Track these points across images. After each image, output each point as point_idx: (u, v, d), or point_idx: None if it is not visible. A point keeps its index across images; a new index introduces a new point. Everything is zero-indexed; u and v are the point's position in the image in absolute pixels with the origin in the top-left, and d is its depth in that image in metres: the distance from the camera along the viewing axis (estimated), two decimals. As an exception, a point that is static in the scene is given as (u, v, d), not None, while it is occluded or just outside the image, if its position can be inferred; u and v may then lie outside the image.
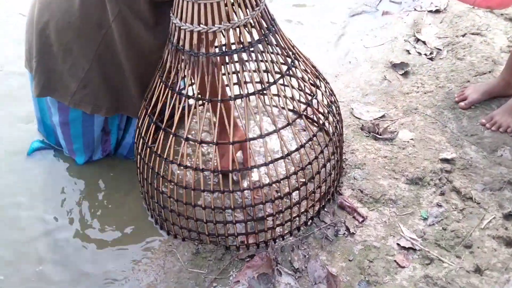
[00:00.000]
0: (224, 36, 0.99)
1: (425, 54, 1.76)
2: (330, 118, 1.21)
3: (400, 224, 1.22)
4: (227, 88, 1.12)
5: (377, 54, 1.81)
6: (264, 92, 1.05)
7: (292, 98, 1.12)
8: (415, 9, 2.04)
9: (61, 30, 1.16)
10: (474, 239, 1.16)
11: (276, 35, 1.07)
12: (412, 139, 1.42)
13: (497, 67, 1.62)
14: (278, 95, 1.27)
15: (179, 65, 1.05)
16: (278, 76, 1.08)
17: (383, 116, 1.53)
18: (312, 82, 1.17)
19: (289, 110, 1.46)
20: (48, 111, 1.33)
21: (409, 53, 1.78)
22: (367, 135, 1.46)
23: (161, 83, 1.10)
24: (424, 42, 1.82)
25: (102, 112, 1.27)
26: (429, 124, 1.46)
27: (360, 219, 1.23)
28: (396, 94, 1.61)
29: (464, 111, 1.48)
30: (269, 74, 1.09)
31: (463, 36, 1.80)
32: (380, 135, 1.45)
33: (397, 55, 1.78)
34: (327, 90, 1.23)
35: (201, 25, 0.97)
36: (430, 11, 2.01)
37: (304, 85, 1.16)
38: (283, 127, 1.07)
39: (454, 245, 1.15)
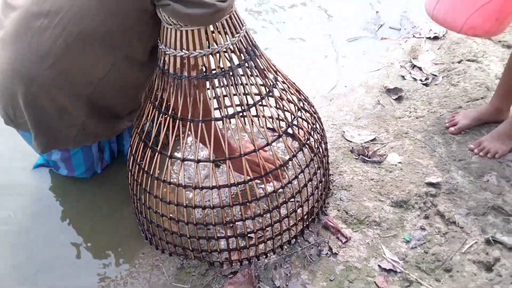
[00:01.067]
0: (205, 61, 1.06)
1: (420, 80, 1.79)
2: (313, 138, 1.24)
3: (382, 246, 1.23)
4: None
5: (372, 79, 1.85)
6: (244, 114, 1.10)
7: (273, 119, 1.17)
8: (414, 36, 2.08)
9: (50, 92, 1.14)
10: (454, 263, 1.15)
11: (257, 59, 1.13)
12: (400, 162, 1.44)
13: (490, 93, 1.63)
14: (257, 116, 1.32)
15: (165, 87, 1.12)
16: (258, 98, 1.13)
17: (374, 140, 1.56)
18: (295, 103, 1.21)
19: (270, 129, 1.51)
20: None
21: (404, 79, 1.81)
22: (356, 157, 1.49)
23: (150, 104, 1.16)
24: (420, 68, 1.85)
25: (103, 139, 1.35)
26: (418, 148, 1.48)
27: (344, 240, 1.25)
28: (388, 118, 1.64)
29: (454, 136, 1.50)
30: (248, 96, 1.14)
31: (459, 62, 1.83)
32: (369, 158, 1.47)
33: (392, 81, 1.81)
34: (310, 112, 1.27)
35: (183, 51, 1.04)
36: (429, 38, 2.04)
37: (283, 106, 1.20)
38: (262, 147, 1.11)
39: (435, 268, 1.15)
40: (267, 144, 1.11)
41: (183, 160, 1.10)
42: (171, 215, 1.15)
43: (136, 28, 1.09)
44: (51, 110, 1.18)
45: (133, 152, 1.22)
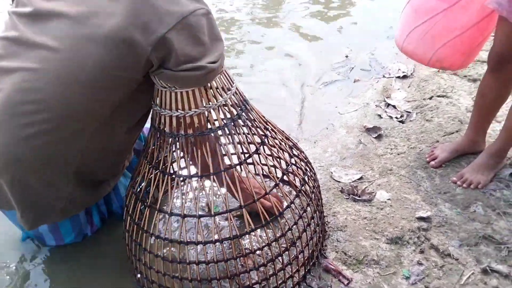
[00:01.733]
0: (201, 119, 1.09)
1: (396, 117, 1.89)
2: (309, 184, 1.28)
3: (384, 285, 1.25)
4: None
5: (351, 120, 1.93)
6: (240, 165, 1.13)
7: (268, 168, 1.20)
8: (384, 76, 2.21)
9: (37, 171, 1.12)
10: (455, 295, 1.19)
11: (249, 113, 1.17)
12: (389, 199, 1.49)
13: (463, 126, 1.74)
14: (252, 164, 1.36)
15: (161, 145, 1.14)
16: (253, 148, 1.17)
17: (361, 178, 1.61)
18: (285, 150, 1.26)
19: (265, 176, 1.54)
20: None
21: (381, 117, 1.91)
22: (347, 197, 1.53)
23: (146, 163, 1.18)
24: (394, 106, 1.96)
25: (90, 204, 1.34)
26: (404, 184, 1.54)
27: (346, 282, 1.26)
28: (371, 157, 1.71)
29: (436, 170, 1.57)
30: (243, 146, 1.18)
31: (430, 98, 1.94)
32: (359, 196, 1.51)
33: (370, 120, 1.90)
34: (301, 158, 1.31)
35: (178, 110, 1.07)
36: (398, 77, 2.17)
37: (281, 153, 1.24)
38: (260, 197, 1.14)
39: (437, 302, 1.18)
40: (265, 193, 1.14)
41: (184, 216, 1.11)
42: (173, 274, 1.14)
43: (125, 100, 1.10)
44: (39, 187, 1.15)
45: (130, 212, 1.21)
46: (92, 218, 1.43)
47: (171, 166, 1.19)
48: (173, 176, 1.12)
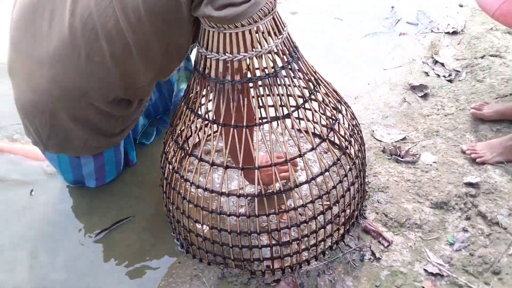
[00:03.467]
0: (248, 64, 1.01)
1: (444, 76, 1.77)
2: (353, 142, 1.21)
3: (426, 249, 1.20)
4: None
5: (395, 76, 1.82)
6: (288, 117, 1.06)
7: (315, 123, 1.13)
8: (432, 31, 2.06)
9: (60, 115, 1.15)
10: (502, 265, 1.13)
11: (299, 61, 1.09)
12: (435, 162, 1.41)
13: (518, 89, 1.62)
14: (301, 119, 1.29)
15: (205, 91, 1.07)
16: (301, 101, 1.09)
17: (404, 139, 1.53)
18: (333, 106, 1.18)
19: (313, 133, 1.48)
20: (74, 170, 1.34)
21: (428, 75, 1.79)
22: (389, 158, 1.46)
23: (187, 109, 1.12)
24: (442, 64, 1.83)
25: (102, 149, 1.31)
26: (451, 147, 1.46)
27: (386, 244, 1.22)
28: (416, 117, 1.61)
29: (486, 134, 1.48)
30: (292, 99, 1.10)
31: (481, 58, 1.81)
32: (402, 158, 1.44)
33: (415, 77, 1.79)
34: (348, 114, 1.24)
35: (226, 54, 0.99)
36: (447, 33, 2.02)
37: (326, 109, 1.17)
38: (307, 152, 1.08)
39: (482, 271, 1.13)
40: (312, 149, 1.08)
41: (227, 167, 1.06)
42: (212, 224, 1.11)
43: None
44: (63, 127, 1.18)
45: (168, 158, 1.17)
46: (128, 153, 1.42)
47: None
48: (219, 124, 1.06)
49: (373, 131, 1.57)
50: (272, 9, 0.99)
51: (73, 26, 1.02)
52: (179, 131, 1.15)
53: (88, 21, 1.01)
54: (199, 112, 1.11)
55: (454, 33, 2.01)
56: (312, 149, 1.08)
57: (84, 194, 1.41)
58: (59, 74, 1.08)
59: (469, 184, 1.32)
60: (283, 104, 1.08)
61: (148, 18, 1.00)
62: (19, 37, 1.12)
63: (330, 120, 1.17)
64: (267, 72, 1.03)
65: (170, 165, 1.16)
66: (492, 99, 1.60)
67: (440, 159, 1.42)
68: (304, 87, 1.11)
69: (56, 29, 1.05)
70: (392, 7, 2.21)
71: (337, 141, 1.26)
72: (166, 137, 1.22)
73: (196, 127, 1.10)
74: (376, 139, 1.54)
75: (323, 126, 1.26)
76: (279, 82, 1.05)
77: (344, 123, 1.21)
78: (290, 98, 1.08)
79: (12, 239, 1.30)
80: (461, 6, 2.19)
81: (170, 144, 1.17)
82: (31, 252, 1.27)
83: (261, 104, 1.30)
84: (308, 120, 1.09)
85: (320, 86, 1.15)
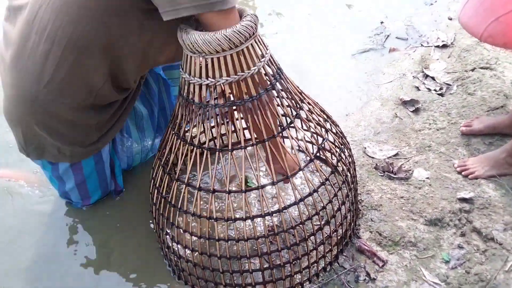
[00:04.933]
0: (232, 88, 1.01)
1: (435, 90, 1.77)
2: (342, 160, 1.20)
3: (421, 268, 1.18)
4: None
5: (386, 92, 1.82)
6: (274, 138, 1.05)
7: (306, 141, 1.12)
8: (421, 45, 2.07)
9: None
10: (499, 282, 1.11)
11: (283, 81, 1.09)
12: (428, 178, 1.40)
13: (509, 101, 1.61)
14: (285, 137, 1.28)
15: (190, 116, 1.07)
16: (287, 121, 1.09)
17: (396, 155, 1.52)
18: (321, 125, 1.18)
19: (300, 151, 1.47)
20: (59, 182, 1.34)
21: (419, 90, 1.79)
22: (381, 174, 1.45)
23: (173, 135, 1.11)
24: (433, 78, 1.83)
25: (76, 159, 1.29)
26: (444, 162, 1.44)
27: (380, 264, 1.20)
28: (408, 132, 1.60)
29: (479, 148, 1.46)
30: (279, 120, 1.09)
31: (472, 70, 1.81)
32: (394, 174, 1.43)
33: (406, 92, 1.78)
34: (337, 133, 1.23)
35: (209, 79, 0.99)
36: (437, 46, 2.03)
37: (314, 128, 1.16)
38: (294, 173, 1.07)
39: (479, 289, 1.11)
40: (299, 170, 1.07)
41: (213, 192, 1.05)
42: (202, 250, 1.10)
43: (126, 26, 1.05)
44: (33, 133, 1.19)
45: (157, 184, 1.17)
46: (115, 177, 1.41)
47: (199, 138, 1.13)
48: (202, 148, 1.06)
49: (365, 147, 1.56)
50: (253, 33, 1.00)
51: (23, 32, 1.07)
52: (166, 157, 1.15)
53: (35, 23, 1.04)
54: (185, 137, 1.10)
55: (444, 46, 2.01)
56: (300, 169, 1.07)
57: (73, 217, 1.40)
58: (14, 78, 1.11)
59: (463, 200, 1.30)
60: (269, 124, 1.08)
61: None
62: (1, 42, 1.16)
63: (318, 138, 1.16)
64: (251, 94, 1.03)
65: (158, 191, 1.15)
66: (484, 112, 1.59)
67: (433, 174, 1.41)
68: (289, 106, 1.11)
69: (16, 35, 1.09)
70: (381, 22, 2.23)
71: (327, 159, 1.25)
72: (154, 162, 1.21)
73: (182, 152, 1.09)
74: (369, 156, 1.53)
75: (309, 142, 1.24)
76: (263, 104, 1.05)
77: (333, 142, 1.20)
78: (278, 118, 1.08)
79: None
80: (450, 19, 2.21)
81: (158, 170, 1.17)
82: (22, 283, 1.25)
83: (245, 126, 1.29)
84: (297, 139, 1.09)
85: (305, 106, 1.14)
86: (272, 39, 2.18)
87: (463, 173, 1.37)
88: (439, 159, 1.46)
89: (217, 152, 1.04)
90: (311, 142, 1.12)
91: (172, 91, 1.49)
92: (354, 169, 1.26)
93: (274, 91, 1.07)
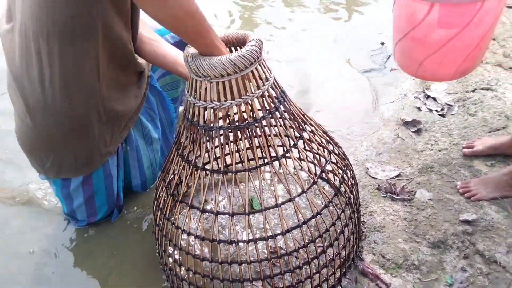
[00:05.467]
0: (236, 111, 1.03)
1: (436, 111, 1.78)
2: (345, 182, 1.20)
3: (425, 291, 1.17)
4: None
5: (387, 112, 1.84)
6: (277, 160, 1.06)
7: (306, 163, 1.13)
8: (423, 66, 2.09)
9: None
10: (504, 306, 1.10)
11: (286, 103, 1.10)
12: (430, 199, 1.40)
13: (510, 122, 1.62)
14: (287, 157, 1.29)
15: (195, 138, 1.08)
16: (291, 142, 1.09)
17: (399, 175, 1.52)
18: (324, 146, 1.18)
19: (302, 170, 1.47)
20: (66, 200, 1.35)
21: (420, 110, 1.80)
22: (384, 195, 1.45)
23: (178, 156, 1.12)
24: (434, 99, 1.84)
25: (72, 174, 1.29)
26: (446, 183, 1.45)
27: (384, 287, 1.19)
28: (410, 152, 1.61)
29: (481, 169, 1.47)
30: (282, 141, 1.10)
31: (473, 91, 1.82)
32: (397, 195, 1.43)
33: (408, 113, 1.80)
34: (339, 154, 1.24)
35: (213, 102, 1.01)
36: (438, 67, 2.05)
37: (318, 149, 1.17)
38: (298, 195, 1.07)
39: (484, 313, 1.10)
40: (302, 192, 1.07)
41: (217, 214, 1.05)
42: (204, 273, 1.09)
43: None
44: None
45: (160, 205, 1.17)
46: (119, 194, 1.41)
47: (203, 160, 1.14)
48: (206, 171, 1.07)
49: (367, 168, 1.56)
50: (258, 57, 1.01)
51: (12, 41, 1.12)
52: (170, 177, 1.15)
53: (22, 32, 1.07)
54: (190, 159, 1.11)
55: (445, 67, 2.03)
56: (303, 192, 1.07)
57: (76, 237, 1.40)
58: (21, 93, 1.15)
59: (466, 222, 1.30)
60: (270, 146, 1.08)
61: None
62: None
63: (321, 159, 1.17)
64: (255, 117, 1.04)
65: (161, 212, 1.15)
66: (485, 133, 1.60)
67: (435, 196, 1.41)
68: (291, 127, 1.12)
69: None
70: (382, 43, 2.26)
71: (330, 181, 1.25)
72: (158, 183, 1.22)
73: (186, 174, 1.10)
74: (371, 177, 1.53)
75: (311, 163, 1.25)
76: (266, 127, 1.06)
77: (336, 163, 1.21)
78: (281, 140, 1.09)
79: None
80: (451, 40, 2.23)
81: (162, 191, 1.17)
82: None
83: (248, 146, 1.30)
84: (299, 159, 1.09)
85: (308, 127, 1.15)
86: (277, 63, 2.20)
87: (465, 194, 1.37)
88: (442, 180, 1.46)
89: (221, 174, 1.05)
90: (312, 162, 1.13)
91: (168, 100, 1.51)
92: (357, 191, 1.27)
93: (277, 113, 1.08)
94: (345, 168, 1.21)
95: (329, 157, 1.16)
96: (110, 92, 1.18)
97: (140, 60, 1.29)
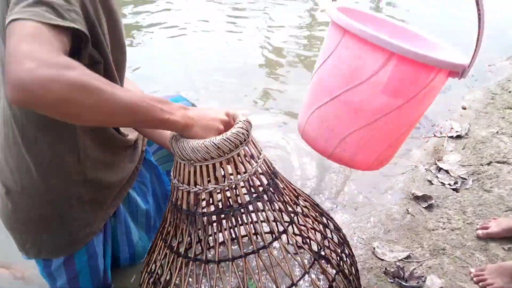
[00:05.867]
0: (220, 196, 0.98)
1: (449, 185, 1.68)
2: (345, 272, 1.11)
3: None
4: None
5: (397, 184, 1.75)
6: (265, 248, 0.99)
7: (296, 250, 1.05)
8: (434, 135, 2.02)
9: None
10: None
11: (277, 184, 1.04)
12: (441, 287, 1.27)
13: (529, 200, 1.51)
14: (287, 242, 1.21)
15: (178, 223, 1.03)
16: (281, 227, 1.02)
17: (408, 257, 1.41)
18: (319, 221, 1.11)
19: (300, 247, 1.38)
20: (49, 279, 1.29)
21: (432, 184, 1.71)
22: (391, 281, 1.33)
23: (161, 241, 1.07)
24: (447, 171, 1.75)
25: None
26: (459, 268, 1.32)
27: None
28: (420, 231, 1.50)
29: (498, 253, 1.34)
30: (269, 225, 1.04)
31: (488, 164, 1.73)
32: (406, 281, 1.31)
33: (418, 186, 1.71)
34: (334, 228, 1.15)
35: (197, 186, 0.96)
36: (451, 137, 1.97)
37: (312, 223, 1.09)
38: (300, 279, 0.99)
39: None
40: (305, 273, 0.99)
41: (198, 307, 0.97)
42: None
43: None
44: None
45: (143, 292, 1.10)
46: (106, 272, 1.34)
47: (189, 247, 1.08)
48: (190, 259, 1.00)
49: (374, 248, 1.46)
50: (245, 139, 0.98)
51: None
52: (152, 267, 1.09)
53: None
54: (172, 244, 1.05)
55: (458, 137, 1.96)
56: (305, 273, 0.99)
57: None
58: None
59: (482, 317, 1.17)
60: (258, 233, 1.02)
61: None
62: None
63: (317, 234, 1.09)
64: (240, 203, 0.99)
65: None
66: (502, 211, 1.49)
67: (447, 283, 1.28)
68: (279, 209, 1.05)
69: None
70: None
71: (330, 259, 1.16)
72: (142, 267, 1.16)
73: (169, 260, 1.04)
74: (378, 258, 1.42)
75: (307, 238, 1.16)
76: (253, 213, 1.00)
77: (332, 238, 1.12)
78: (269, 225, 1.03)
79: None
80: (464, 108, 2.17)
81: (145, 277, 1.10)
82: None
83: (234, 237, 1.24)
84: (284, 248, 1.01)
85: (301, 209, 1.09)
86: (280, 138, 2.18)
87: (480, 284, 1.24)
88: (454, 265, 1.34)
89: (203, 264, 0.98)
90: (309, 237, 1.05)
91: (163, 175, 1.47)
92: (358, 279, 1.16)
93: (265, 196, 1.02)
94: (342, 254, 1.12)
95: (323, 243, 1.08)
96: (95, 173, 1.16)
97: (131, 134, 1.27)
